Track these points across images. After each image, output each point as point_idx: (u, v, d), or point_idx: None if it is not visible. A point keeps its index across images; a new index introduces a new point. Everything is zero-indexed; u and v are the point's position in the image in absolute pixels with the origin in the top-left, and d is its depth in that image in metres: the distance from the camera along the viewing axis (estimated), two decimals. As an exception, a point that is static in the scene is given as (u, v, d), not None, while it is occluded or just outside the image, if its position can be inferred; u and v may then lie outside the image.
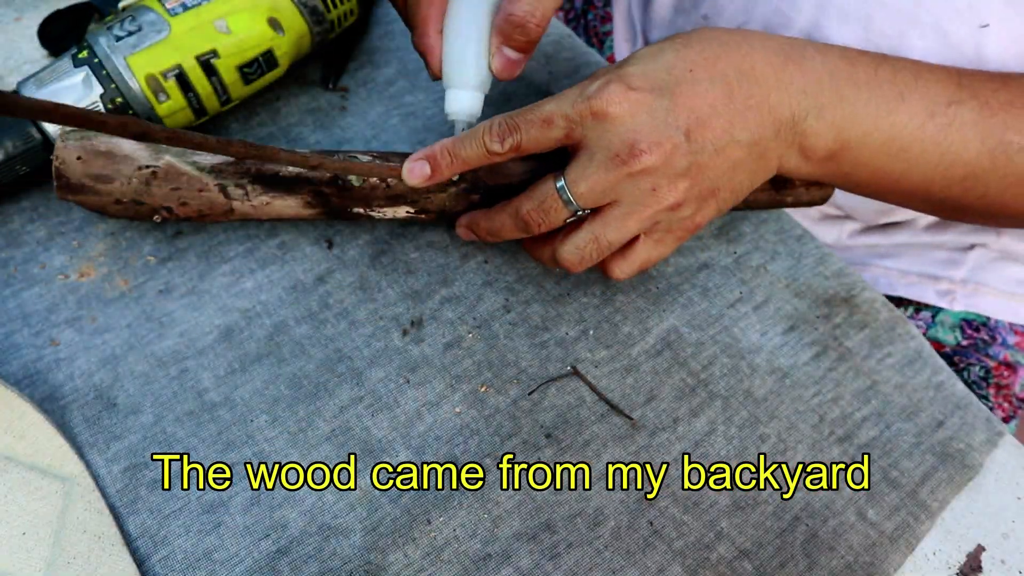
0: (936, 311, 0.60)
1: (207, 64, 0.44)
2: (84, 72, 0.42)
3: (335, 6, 0.49)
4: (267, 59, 0.46)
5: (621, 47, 0.69)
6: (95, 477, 0.37)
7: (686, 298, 0.44)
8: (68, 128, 0.40)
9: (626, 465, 0.39)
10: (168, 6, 0.44)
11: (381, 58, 0.54)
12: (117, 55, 0.42)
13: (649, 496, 0.38)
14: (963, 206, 0.41)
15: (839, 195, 0.59)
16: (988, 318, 0.60)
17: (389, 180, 0.40)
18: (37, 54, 0.52)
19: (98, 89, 0.42)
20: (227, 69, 0.45)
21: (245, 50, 0.45)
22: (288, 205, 0.41)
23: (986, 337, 0.60)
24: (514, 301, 0.44)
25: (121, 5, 0.44)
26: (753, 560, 0.36)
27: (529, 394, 0.40)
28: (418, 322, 0.43)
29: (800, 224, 0.48)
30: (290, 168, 0.40)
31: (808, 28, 0.50)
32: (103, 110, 0.42)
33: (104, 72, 0.42)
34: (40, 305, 0.42)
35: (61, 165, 0.39)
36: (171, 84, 0.43)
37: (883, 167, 0.39)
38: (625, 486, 0.38)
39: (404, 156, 0.40)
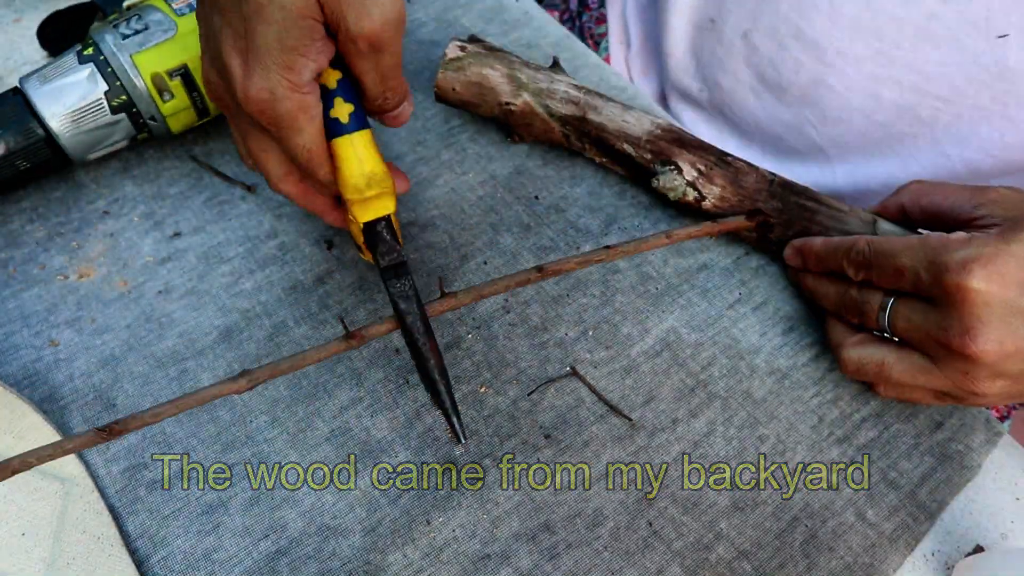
0: None
1: None
2: (89, 69, 0.42)
3: None
4: None
5: (616, 49, 0.69)
6: (94, 478, 0.37)
7: (685, 299, 0.44)
8: (450, 57, 0.46)
9: (625, 466, 0.39)
10: (175, 6, 0.44)
11: (381, 59, 0.54)
12: (123, 53, 0.42)
13: (648, 497, 0.38)
14: None
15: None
16: None
17: (703, 203, 0.44)
18: (37, 55, 0.52)
19: (103, 86, 0.42)
20: None
21: None
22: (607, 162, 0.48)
23: None
24: (513, 302, 0.44)
25: (126, 4, 0.44)
26: (752, 561, 0.36)
27: (528, 395, 0.40)
28: (417, 323, 0.43)
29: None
30: (625, 145, 0.45)
31: (818, 38, 0.50)
32: (107, 107, 0.42)
33: (109, 69, 0.42)
34: (40, 306, 0.42)
35: (440, 93, 0.47)
36: (176, 83, 0.43)
37: None
38: (624, 487, 0.38)
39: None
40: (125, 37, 0.42)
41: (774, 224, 0.43)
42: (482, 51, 0.47)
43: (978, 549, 0.38)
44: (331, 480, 0.38)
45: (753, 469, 0.39)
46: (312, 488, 0.38)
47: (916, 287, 0.35)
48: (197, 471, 0.38)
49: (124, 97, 0.43)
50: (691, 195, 0.44)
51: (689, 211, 0.45)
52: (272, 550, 0.36)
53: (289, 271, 0.44)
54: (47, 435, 0.37)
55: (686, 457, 0.39)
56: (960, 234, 0.35)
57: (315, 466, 0.38)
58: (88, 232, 0.45)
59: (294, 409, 0.40)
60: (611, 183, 0.49)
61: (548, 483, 0.38)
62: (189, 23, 0.43)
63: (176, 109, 0.44)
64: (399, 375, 0.41)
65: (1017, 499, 0.40)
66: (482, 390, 0.41)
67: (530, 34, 0.56)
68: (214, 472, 0.38)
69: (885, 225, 0.42)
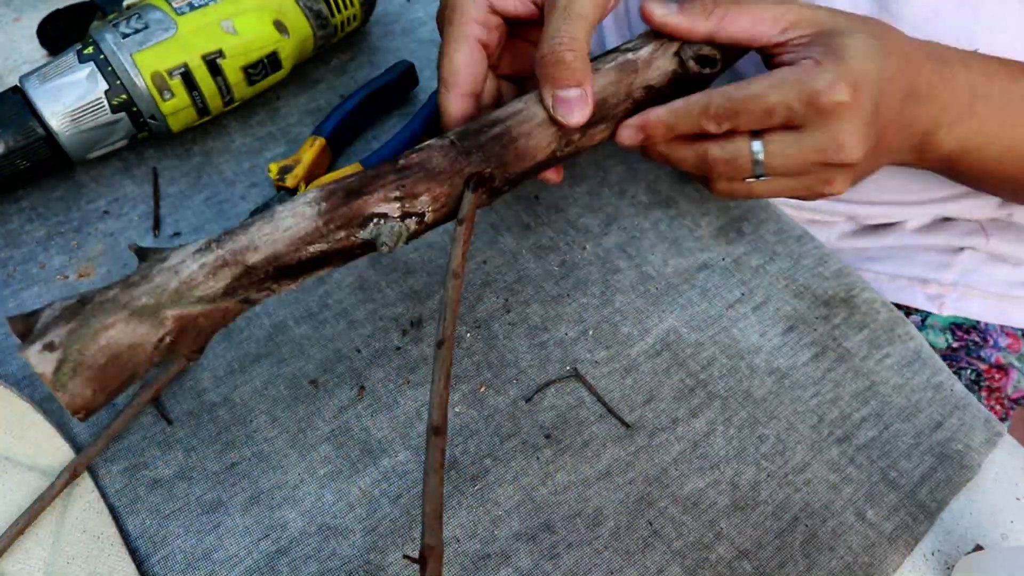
0: (925, 315, 0.60)
1: (213, 64, 0.44)
2: (89, 68, 0.42)
3: (339, 11, 0.49)
4: (271, 61, 0.46)
5: (610, 40, 0.69)
6: (94, 477, 0.37)
7: (685, 299, 0.44)
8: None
9: (625, 466, 0.39)
10: (175, 5, 0.44)
11: (381, 58, 0.54)
12: (123, 52, 0.42)
13: (648, 496, 0.38)
14: None
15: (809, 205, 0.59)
16: (978, 321, 0.60)
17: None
18: (36, 54, 0.52)
19: (103, 85, 0.42)
20: (232, 69, 0.45)
21: (250, 51, 0.45)
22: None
23: (977, 339, 0.60)
24: (513, 301, 0.44)
25: (126, 3, 0.44)
26: (752, 560, 0.37)
27: (527, 400, 0.40)
28: (417, 322, 0.43)
29: (799, 224, 0.48)
30: (302, 252, 0.34)
31: None
32: (107, 105, 0.42)
33: (109, 68, 0.42)
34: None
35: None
36: (176, 82, 0.43)
37: (996, 171, 0.42)
38: (624, 487, 0.38)
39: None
40: (125, 36, 0.42)
41: (492, 173, 0.37)
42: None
43: (978, 549, 0.38)
44: (331, 480, 0.38)
45: (753, 469, 0.39)
46: (312, 488, 0.38)
47: (788, 120, 0.36)
48: (197, 471, 0.38)
49: (124, 96, 0.43)
50: (412, 225, 0.35)
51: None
52: (272, 550, 0.36)
53: (289, 271, 0.44)
54: (47, 435, 0.37)
55: (686, 457, 0.39)
56: (809, 63, 0.36)
57: (315, 466, 0.38)
58: (88, 231, 0.45)
59: (294, 409, 0.40)
60: (611, 183, 0.49)
61: (548, 483, 0.38)
62: (189, 23, 0.43)
63: (176, 108, 0.44)
64: (399, 375, 0.41)
65: (1017, 499, 0.40)
66: (482, 390, 0.41)
67: (530, 33, 0.56)
68: (214, 472, 0.38)
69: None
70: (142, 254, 0.33)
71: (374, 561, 0.36)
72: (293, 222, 0.33)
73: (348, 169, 0.45)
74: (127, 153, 0.48)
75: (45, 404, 0.39)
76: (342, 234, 0.34)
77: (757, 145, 0.37)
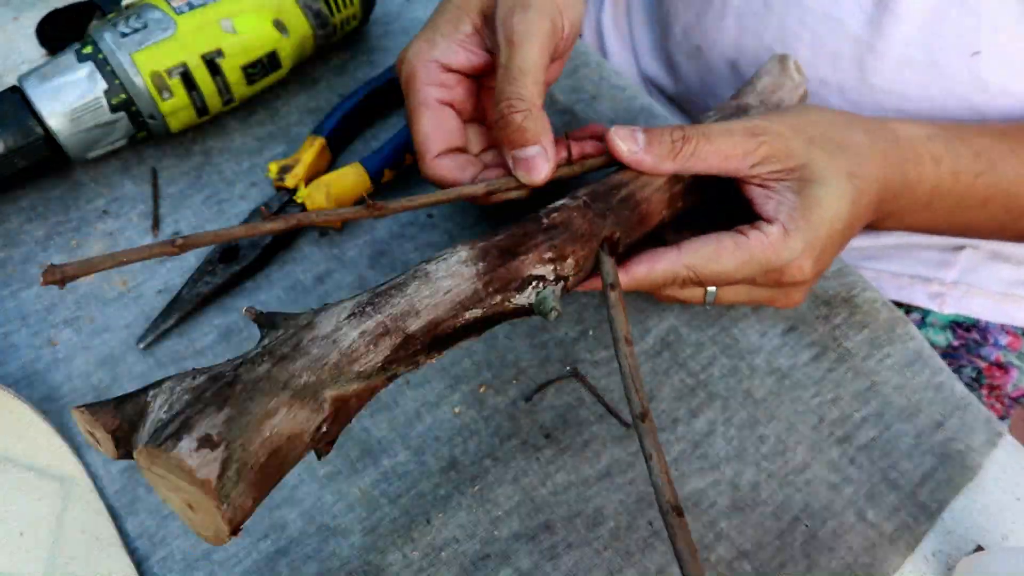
0: (926, 313, 0.60)
1: (212, 63, 0.44)
2: (88, 67, 0.42)
3: (339, 10, 0.49)
4: (271, 60, 0.46)
5: (610, 39, 0.69)
6: (94, 477, 0.37)
7: (686, 298, 0.44)
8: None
9: (625, 466, 0.39)
10: (174, 4, 0.44)
11: (380, 58, 0.54)
12: (123, 51, 0.42)
13: (648, 496, 0.38)
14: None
15: None
16: (978, 319, 0.60)
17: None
18: (35, 53, 0.52)
19: (102, 85, 0.42)
20: (231, 69, 0.45)
21: (250, 50, 0.45)
22: None
23: (977, 337, 0.60)
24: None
25: (125, 3, 0.44)
26: (753, 561, 0.36)
27: (527, 400, 0.40)
28: (417, 322, 0.43)
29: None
30: (466, 314, 0.32)
31: (802, 64, 0.52)
32: (106, 105, 0.42)
33: (108, 68, 0.42)
34: (39, 305, 0.42)
35: None
36: (175, 82, 0.43)
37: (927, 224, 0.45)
38: (624, 487, 0.38)
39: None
40: (124, 35, 0.42)
41: (619, 236, 0.36)
42: None
43: (979, 549, 0.38)
44: (331, 480, 0.38)
45: (753, 469, 0.39)
46: (312, 488, 0.37)
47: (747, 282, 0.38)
48: (196, 471, 0.38)
49: (123, 95, 0.43)
50: (559, 292, 0.33)
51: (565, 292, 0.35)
52: (272, 550, 0.36)
53: (288, 270, 0.44)
54: (46, 435, 0.37)
55: (686, 457, 0.39)
56: (776, 234, 0.36)
57: (315, 466, 0.38)
58: (87, 231, 0.45)
59: (294, 409, 0.40)
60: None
61: (548, 483, 0.38)
62: (188, 22, 0.43)
63: (175, 108, 0.44)
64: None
65: (1018, 499, 0.39)
66: (482, 390, 0.41)
67: (530, 33, 0.56)
68: (214, 472, 0.38)
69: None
70: (269, 321, 0.28)
71: (374, 561, 0.36)
72: (453, 284, 0.30)
73: (348, 169, 0.45)
74: (126, 153, 0.48)
75: (44, 404, 0.39)
76: (499, 298, 0.31)
77: (712, 290, 0.39)
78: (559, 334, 0.43)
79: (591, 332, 0.43)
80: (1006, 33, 0.46)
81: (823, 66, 0.51)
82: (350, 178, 0.44)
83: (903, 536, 0.38)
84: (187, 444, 0.23)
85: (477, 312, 0.31)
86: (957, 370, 0.59)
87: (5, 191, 0.46)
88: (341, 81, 0.53)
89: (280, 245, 0.45)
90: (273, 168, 0.45)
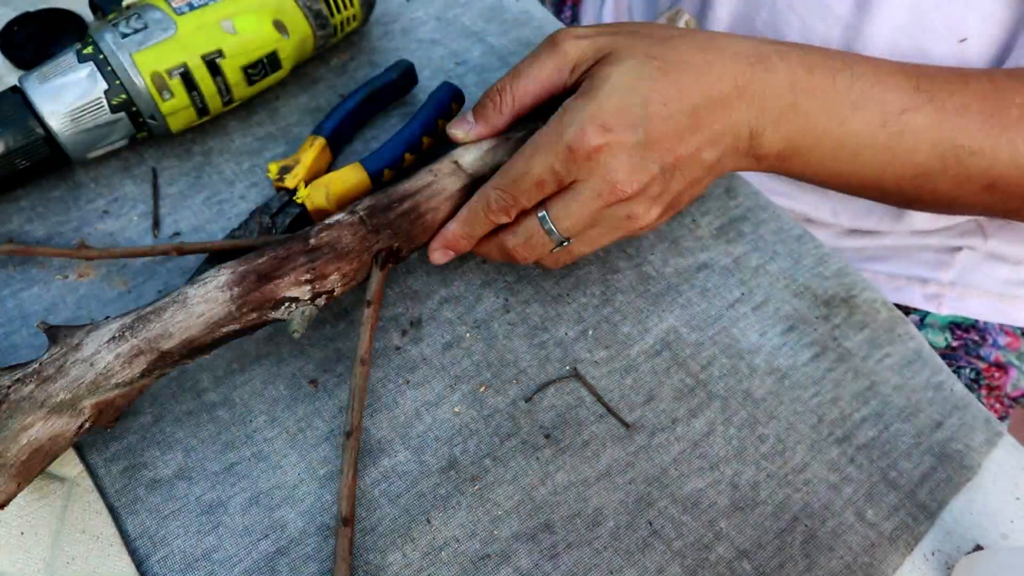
0: (924, 314, 0.61)
1: (212, 63, 0.44)
2: (89, 68, 0.42)
3: (339, 11, 0.49)
4: (271, 61, 0.46)
5: None
6: (94, 477, 0.37)
7: (685, 298, 0.44)
8: None
9: (625, 465, 0.39)
10: (174, 5, 0.44)
11: (380, 58, 0.54)
12: (123, 52, 0.42)
13: (648, 496, 0.38)
14: (915, 200, 0.42)
15: (812, 208, 0.59)
16: (977, 320, 0.60)
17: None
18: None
19: (102, 85, 0.42)
20: (232, 69, 0.45)
21: (250, 51, 0.45)
22: None
23: (976, 338, 0.60)
24: (513, 301, 0.44)
25: (125, 3, 0.44)
26: (752, 560, 0.36)
27: (527, 400, 0.40)
28: (417, 322, 0.43)
29: (799, 224, 0.48)
30: (213, 337, 0.36)
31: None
32: (107, 106, 0.42)
33: (109, 68, 0.42)
34: (39, 305, 0.42)
35: None
36: (176, 82, 0.43)
37: (832, 168, 0.40)
38: (624, 487, 0.38)
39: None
40: (124, 36, 0.42)
41: (399, 247, 0.39)
42: None
43: (978, 549, 0.38)
44: (331, 480, 0.38)
45: (753, 469, 0.39)
46: (312, 488, 0.38)
47: (559, 182, 0.37)
48: (197, 471, 0.38)
49: (123, 96, 0.43)
50: (321, 303, 0.37)
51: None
52: (272, 550, 0.36)
53: (289, 270, 0.44)
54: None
55: (686, 457, 0.39)
56: (555, 116, 0.37)
57: (315, 466, 0.38)
58: (88, 232, 0.45)
59: (294, 409, 0.40)
60: (611, 182, 0.49)
61: (548, 483, 0.38)
62: (189, 22, 0.43)
63: (176, 108, 0.44)
64: (399, 375, 0.41)
65: (1017, 499, 0.40)
66: (482, 390, 0.41)
67: (530, 33, 0.56)
68: (214, 472, 0.38)
69: (469, 153, 0.41)
70: (52, 335, 0.34)
71: (374, 561, 0.36)
72: (206, 308, 0.35)
73: (348, 169, 0.45)
74: (127, 153, 0.48)
75: (45, 404, 0.39)
76: (254, 315, 0.36)
77: (542, 215, 0.38)
78: (559, 334, 0.43)
79: (591, 332, 0.43)
80: (993, 20, 0.46)
81: None
82: (350, 178, 0.44)
83: (902, 535, 0.38)
84: None
85: (235, 327, 0.35)
86: (956, 371, 0.59)
87: (5, 191, 0.46)
88: (341, 81, 0.53)
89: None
90: (273, 168, 0.45)
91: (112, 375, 0.33)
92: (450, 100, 0.48)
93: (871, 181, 0.41)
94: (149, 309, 0.34)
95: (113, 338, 0.33)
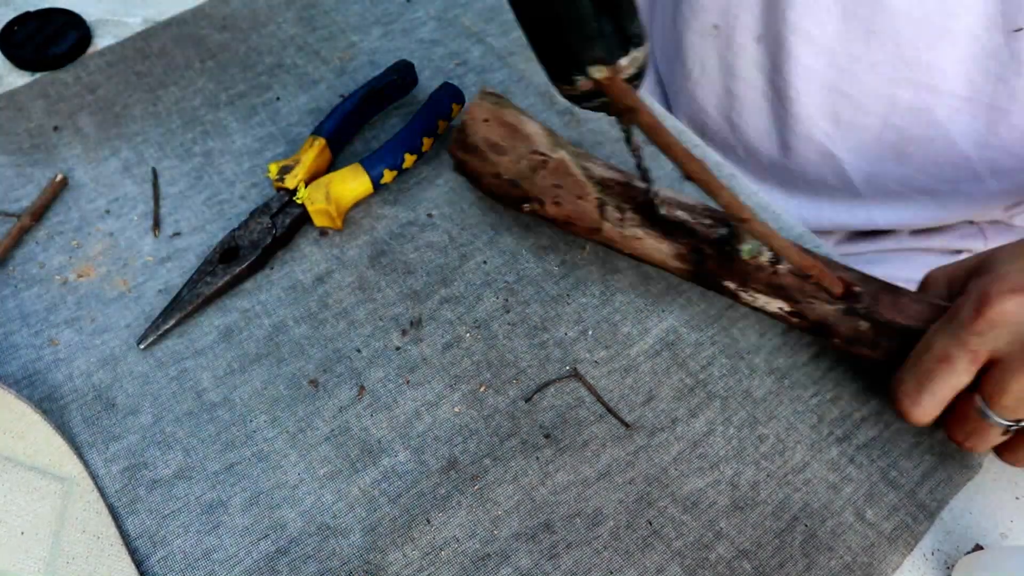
0: None
1: None
2: None
3: None
4: None
5: None
6: (94, 477, 0.37)
7: (685, 298, 0.44)
8: (488, 90, 0.41)
9: (625, 465, 0.39)
10: None
11: (381, 58, 0.54)
12: None
13: (648, 496, 0.38)
14: None
15: (813, 217, 0.59)
16: None
17: (779, 268, 0.37)
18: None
19: None
20: None
21: None
22: (658, 249, 0.39)
23: None
24: (513, 301, 0.44)
25: None
26: (752, 560, 0.37)
27: (527, 400, 0.40)
28: (417, 322, 0.43)
29: (799, 224, 0.48)
30: (678, 213, 0.37)
31: (831, 43, 0.50)
32: None
33: None
34: (39, 305, 0.42)
35: (468, 120, 0.40)
36: None
37: None
38: (624, 486, 0.38)
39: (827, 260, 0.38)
40: None
41: (860, 293, 0.37)
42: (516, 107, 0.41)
43: (978, 548, 0.38)
44: (330, 480, 0.38)
45: (753, 469, 0.39)
46: (312, 488, 0.38)
47: (973, 359, 0.33)
48: (197, 471, 0.38)
49: None
50: (766, 256, 0.37)
51: (759, 278, 0.38)
52: (272, 550, 0.36)
53: (288, 270, 0.44)
54: (46, 435, 0.37)
55: (685, 457, 0.39)
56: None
57: (314, 466, 0.38)
58: (88, 231, 0.45)
59: (294, 409, 0.40)
60: (611, 182, 0.49)
61: (548, 483, 0.38)
62: None
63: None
64: (399, 375, 0.41)
65: (1017, 498, 0.39)
66: (482, 390, 0.41)
67: (530, 33, 0.56)
68: (214, 472, 0.38)
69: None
70: None
71: (374, 561, 0.36)
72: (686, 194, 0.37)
73: (348, 170, 0.45)
74: (127, 153, 0.48)
75: (44, 404, 0.39)
76: (707, 220, 0.38)
77: (978, 402, 0.34)
78: (559, 334, 0.43)
79: (591, 332, 0.43)
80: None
81: (854, 41, 0.50)
82: (350, 178, 0.44)
83: (902, 535, 0.38)
84: None
85: None
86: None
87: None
88: (341, 81, 0.53)
89: (280, 245, 0.45)
90: (273, 169, 0.45)
91: None
92: (450, 100, 0.48)
93: None
94: None
95: None
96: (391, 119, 0.51)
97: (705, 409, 0.41)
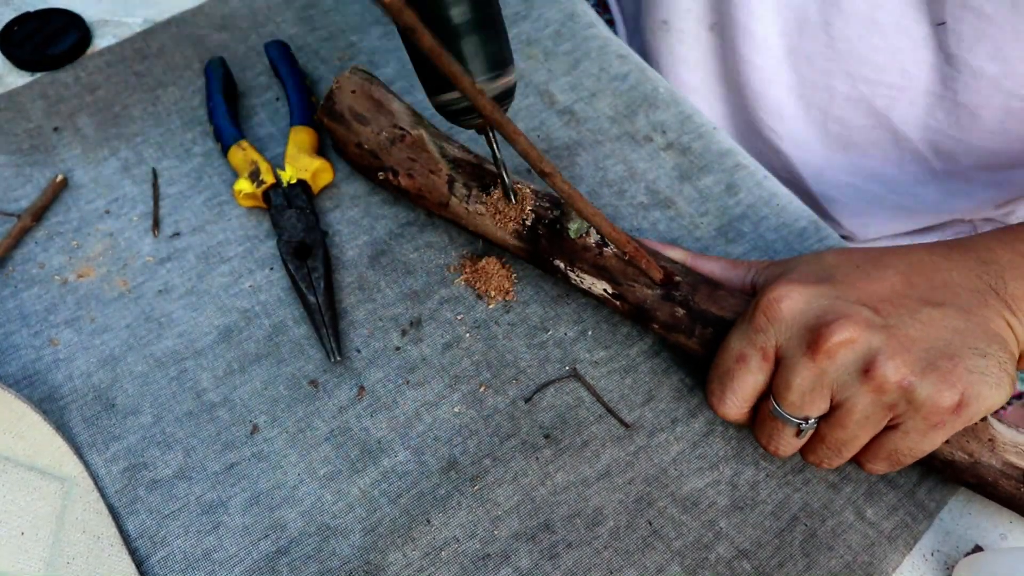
0: None
1: None
2: None
3: None
4: None
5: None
6: (94, 477, 0.37)
7: (685, 298, 0.44)
8: (360, 67, 0.43)
9: (625, 465, 0.39)
10: None
11: (381, 58, 0.54)
12: None
13: (648, 496, 0.38)
14: None
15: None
16: None
17: (605, 250, 0.39)
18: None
19: None
20: None
21: None
22: (499, 226, 0.41)
23: None
24: (513, 302, 0.44)
25: None
26: (752, 560, 0.37)
27: (526, 400, 0.40)
28: (417, 322, 0.43)
29: (799, 221, 0.48)
30: (526, 191, 0.40)
31: (768, 35, 0.51)
32: None
33: None
34: (39, 305, 0.42)
35: (336, 89, 0.42)
36: None
37: None
38: (624, 486, 0.38)
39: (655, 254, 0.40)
40: None
41: (680, 282, 0.38)
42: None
43: (977, 549, 0.38)
44: (330, 480, 0.38)
45: (752, 469, 0.39)
46: (312, 488, 0.38)
47: (764, 356, 0.34)
48: (197, 471, 0.38)
49: None
50: (594, 237, 0.39)
51: (586, 259, 0.39)
52: (272, 550, 0.36)
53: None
54: (46, 435, 0.37)
55: (685, 457, 0.39)
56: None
57: (315, 466, 0.38)
58: (88, 232, 0.45)
59: (294, 409, 0.40)
60: (610, 183, 0.49)
61: (548, 483, 0.38)
62: None
63: None
64: (399, 375, 0.41)
65: (1016, 498, 0.40)
66: (482, 390, 0.41)
67: (529, 28, 0.56)
68: (214, 472, 0.38)
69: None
70: None
71: (374, 561, 0.36)
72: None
73: (294, 133, 0.45)
74: (127, 153, 0.48)
75: (44, 404, 0.39)
76: (546, 203, 0.40)
77: (771, 404, 0.35)
78: (559, 334, 0.43)
79: (591, 332, 0.43)
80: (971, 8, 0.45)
81: (790, 33, 0.51)
82: (299, 138, 0.46)
83: (902, 535, 0.38)
84: None
85: None
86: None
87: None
88: (341, 81, 0.53)
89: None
90: (245, 186, 0.45)
91: None
92: (283, 56, 0.50)
93: None
94: None
95: None
96: (252, 99, 0.52)
97: (705, 409, 0.41)
